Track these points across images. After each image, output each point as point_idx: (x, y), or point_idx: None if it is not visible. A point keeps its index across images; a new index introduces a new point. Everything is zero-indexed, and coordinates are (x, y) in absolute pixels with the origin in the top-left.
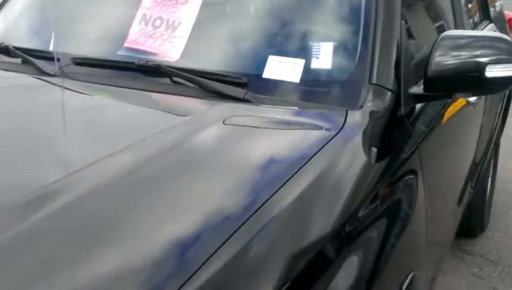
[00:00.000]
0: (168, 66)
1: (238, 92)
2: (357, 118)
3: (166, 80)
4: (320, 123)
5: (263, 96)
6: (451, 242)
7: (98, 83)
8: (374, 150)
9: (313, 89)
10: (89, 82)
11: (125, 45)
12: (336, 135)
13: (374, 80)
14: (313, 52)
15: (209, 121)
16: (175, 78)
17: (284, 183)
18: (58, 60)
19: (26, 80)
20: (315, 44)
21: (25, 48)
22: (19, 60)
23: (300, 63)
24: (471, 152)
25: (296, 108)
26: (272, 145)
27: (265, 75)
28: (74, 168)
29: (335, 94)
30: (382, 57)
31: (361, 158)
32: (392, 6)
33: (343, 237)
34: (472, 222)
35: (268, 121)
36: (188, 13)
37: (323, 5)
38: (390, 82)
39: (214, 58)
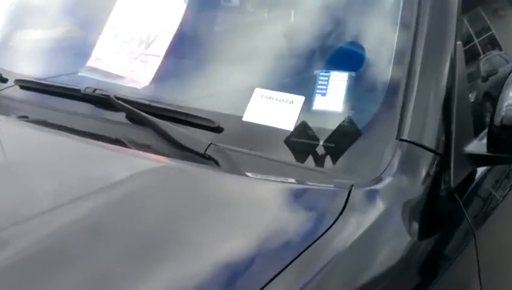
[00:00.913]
0: (119, 98)
1: (199, 145)
2: (370, 198)
3: (118, 116)
4: (309, 210)
5: (236, 151)
6: None
7: (34, 117)
8: (399, 255)
9: (312, 143)
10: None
11: (88, 64)
12: (327, 230)
13: (405, 134)
14: (318, 86)
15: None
16: (127, 114)
17: None
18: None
19: None
20: (322, 74)
21: None
22: None
23: (297, 101)
24: None
25: (281, 180)
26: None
27: (246, 117)
28: None
29: (343, 154)
30: (421, 98)
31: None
32: (443, 19)
33: None
34: None
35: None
36: (167, 25)
37: (335, 15)
38: (432, 137)
39: (187, 88)
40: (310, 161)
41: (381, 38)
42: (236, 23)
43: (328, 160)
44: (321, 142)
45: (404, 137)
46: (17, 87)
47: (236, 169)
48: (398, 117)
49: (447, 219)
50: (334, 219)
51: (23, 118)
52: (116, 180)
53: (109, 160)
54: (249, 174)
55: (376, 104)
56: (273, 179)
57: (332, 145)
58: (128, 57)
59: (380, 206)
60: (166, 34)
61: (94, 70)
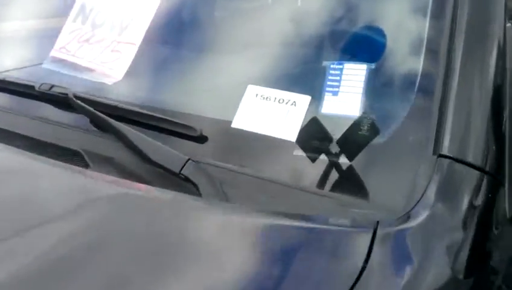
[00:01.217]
0: (79, 98)
1: (173, 161)
2: (402, 242)
3: (79, 121)
4: (318, 263)
5: (223, 169)
6: None
7: None
8: None
9: (320, 159)
10: None
11: (52, 54)
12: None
13: (444, 148)
14: (328, 82)
15: None
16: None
17: None
18: None
19: None
20: (333, 67)
21: None
22: None
23: (302, 102)
24: None
25: (280, 215)
26: None
27: (236, 123)
28: None
29: (363, 175)
30: (464, 99)
31: None
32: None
33: None
34: None
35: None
36: (144, 7)
37: None
38: (480, 151)
39: (165, 85)
40: (317, 184)
41: (409, 21)
42: (227, 5)
43: (342, 184)
44: (333, 159)
45: (444, 152)
46: None
47: (221, 195)
48: (434, 125)
49: (506, 263)
50: (354, 277)
51: None
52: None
53: (61, 183)
54: (237, 205)
55: (405, 108)
56: (269, 212)
57: (348, 162)
58: (99, 45)
59: (415, 251)
60: (143, 17)
61: (58, 61)
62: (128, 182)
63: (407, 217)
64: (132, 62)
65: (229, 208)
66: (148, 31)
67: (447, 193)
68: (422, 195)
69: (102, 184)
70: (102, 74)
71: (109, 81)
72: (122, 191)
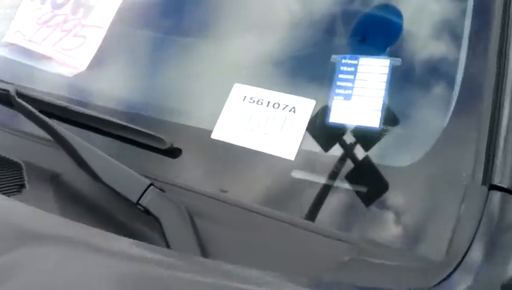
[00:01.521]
0: (22, 95)
1: (133, 187)
2: None
3: (24, 124)
4: None
5: (199, 194)
6: None
7: None
8: None
9: (327, 185)
10: None
11: (5, 38)
12: None
13: (496, 177)
14: (338, 82)
15: None
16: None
17: None
18: None
19: None
20: (344, 62)
21: None
22: None
23: (304, 107)
24: None
25: (271, 278)
26: None
27: (216, 133)
28: None
29: (385, 211)
30: None
31: None
32: None
33: None
34: None
35: None
36: None
37: None
38: None
39: (133, 81)
40: (323, 218)
41: (446, 13)
42: None
43: (358, 223)
44: (344, 185)
45: (496, 182)
46: None
47: (190, 237)
48: (483, 147)
49: None
50: None
51: None
52: None
53: None
54: (216, 263)
55: (442, 118)
56: (260, 275)
57: (364, 191)
58: (60, 29)
59: None
60: None
61: (13, 47)
62: (71, 223)
63: (450, 279)
64: (98, 50)
65: (203, 266)
66: (118, 13)
67: (503, 237)
68: (471, 242)
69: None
70: (62, 64)
71: (70, 72)
72: (54, 232)
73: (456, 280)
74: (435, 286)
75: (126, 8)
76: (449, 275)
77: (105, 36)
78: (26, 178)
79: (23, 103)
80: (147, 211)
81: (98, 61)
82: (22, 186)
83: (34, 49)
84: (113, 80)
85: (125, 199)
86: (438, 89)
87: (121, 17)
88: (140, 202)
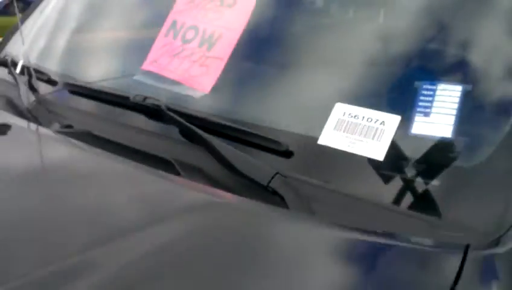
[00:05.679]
0: (171, 110)
1: (261, 174)
2: (494, 267)
3: (170, 131)
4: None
5: (309, 184)
6: None
7: (79, 127)
8: None
9: (408, 179)
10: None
11: (143, 66)
12: None
13: None
14: (420, 102)
15: None
16: (179, 129)
17: None
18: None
19: None
20: (425, 87)
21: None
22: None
23: (391, 121)
24: None
25: (367, 232)
26: None
27: (322, 139)
28: None
29: (453, 198)
30: None
31: None
32: None
33: None
34: None
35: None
36: (234, 21)
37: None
38: None
39: (252, 100)
40: (404, 203)
41: (508, 40)
42: (316, 23)
43: (430, 204)
44: (421, 180)
45: None
46: (66, 91)
47: (307, 209)
48: None
49: None
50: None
51: (68, 127)
52: (158, 217)
53: (154, 189)
54: (324, 220)
55: (500, 132)
56: (355, 228)
57: (437, 184)
58: (188, 59)
59: (505, 277)
60: (231, 33)
61: (149, 74)
62: (218, 191)
63: (498, 241)
64: (220, 76)
65: (316, 222)
66: (235, 47)
67: None
68: None
69: (193, 191)
70: (191, 87)
71: (197, 94)
72: (213, 199)
73: (506, 238)
74: (489, 242)
75: (242, 44)
76: (501, 236)
77: (225, 66)
78: (179, 170)
79: (173, 114)
80: (274, 192)
81: (220, 85)
82: (178, 174)
83: (167, 76)
84: (232, 100)
85: (257, 184)
86: (499, 109)
87: (237, 51)
88: (270, 185)
